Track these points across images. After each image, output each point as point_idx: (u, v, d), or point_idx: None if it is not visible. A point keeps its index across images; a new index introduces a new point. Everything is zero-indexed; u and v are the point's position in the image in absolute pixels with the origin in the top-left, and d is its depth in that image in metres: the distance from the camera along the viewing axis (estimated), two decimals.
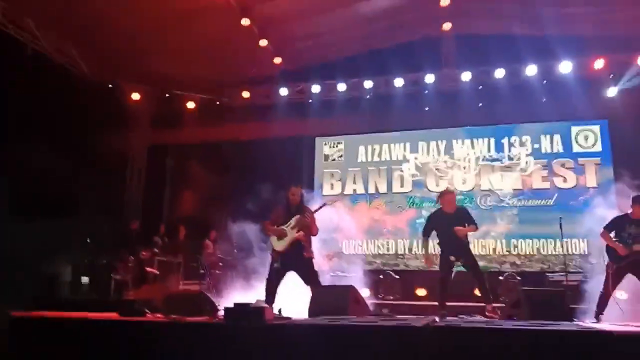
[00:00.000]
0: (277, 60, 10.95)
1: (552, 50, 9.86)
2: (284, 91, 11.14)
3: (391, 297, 8.80)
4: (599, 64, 9.80)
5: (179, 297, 6.08)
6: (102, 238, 9.49)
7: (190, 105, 11.32)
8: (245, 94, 11.41)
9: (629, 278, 6.03)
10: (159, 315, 5.74)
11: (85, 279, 10.22)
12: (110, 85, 10.70)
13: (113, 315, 5.69)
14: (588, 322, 5.68)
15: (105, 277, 8.69)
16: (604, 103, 9.75)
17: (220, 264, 8.90)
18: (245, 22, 9.48)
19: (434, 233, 6.54)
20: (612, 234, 6.11)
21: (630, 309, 6.35)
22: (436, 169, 10.43)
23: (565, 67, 9.85)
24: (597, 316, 5.92)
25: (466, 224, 6.35)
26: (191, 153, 10.91)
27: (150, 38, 9.61)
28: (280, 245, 6.08)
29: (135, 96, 10.94)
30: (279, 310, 5.87)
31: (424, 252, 6.65)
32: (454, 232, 6.24)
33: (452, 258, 6.25)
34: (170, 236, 9.27)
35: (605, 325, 5.32)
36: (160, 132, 11.41)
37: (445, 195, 6.60)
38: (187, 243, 9.28)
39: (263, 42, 10.24)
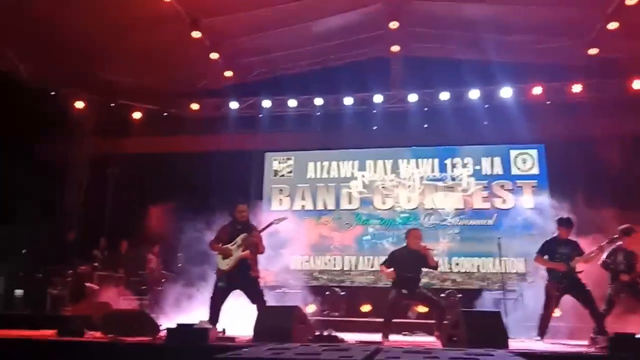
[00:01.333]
0: (228, 73, 10.92)
1: (494, 75, 10.32)
2: (234, 104, 11.10)
3: (336, 314, 8.86)
4: (537, 90, 10.32)
5: (119, 315, 5.93)
6: (39, 249, 9.12)
7: (137, 115, 11.09)
8: (195, 106, 11.30)
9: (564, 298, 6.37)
10: (97, 334, 5.58)
11: (19, 292, 9.77)
12: (52, 93, 10.33)
13: (50, 333, 5.50)
14: (525, 341, 5.96)
15: (41, 290, 8.32)
16: (541, 128, 10.22)
17: (163, 279, 8.71)
18: (195, 34, 9.40)
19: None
20: (546, 257, 6.43)
21: (565, 327, 6.79)
22: (383, 187, 10.64)
23: (506, 92, 10.31)
24: (541, 336, 6.22)
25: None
26: (136, 164, 10.66)
27: (97, 45, 9.38)
28: (225, 264, 6.04)
29: (79, 104, 10.61)
30: (223, 330, 5.82)
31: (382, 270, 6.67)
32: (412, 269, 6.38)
33: (404, 291, 6.35)
34: (111, 249, 8.99)
35: (541, 346, 5.61)
36: (105, 142, 11.10)
37: (412, 232, 6.71)
38: (128, 257, 9.03)
39: (214, 55, 10.19)
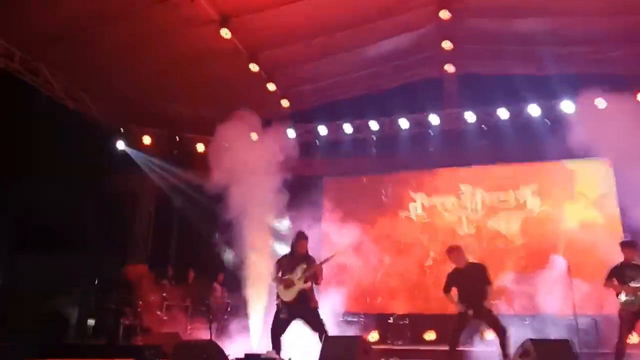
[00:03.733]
0: (285, 102, 11.17)
1: (553, 89, 10.02)
2: (291, 133, 11.33)
3: (400, 342, 8.76)
4: (600, 102, 9.92)
5: (189, 346, 6.13)
6: (110, 279, 9.56)
7: (200, 147, 11.51)
8: (254, 136, 11.58)
9: None
10: None
11: (91, 322, 10.23)
12: (121, 129, 10.94)
13: None
14: None
15: (113, 320, 8.72)
16: (607, 141, 9.79)
17: (229, 308, 8.93)
18: (253, 67, 9.72)
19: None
20: (615, 281, 6.19)
21: None
22: (444, 210, 10.51)
23: (567, 106, 9.97)
24: None
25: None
26: (200, 194, 11.05)
27: (160, 81, 9.86)
28: (288, 296, 6.13)
29: (146, 140, 11.16)
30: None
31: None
32: (473, 289, 6.27)
33: (470, 312, 6.25)
34: (178, 279, 9.32)
35: None
36: (171, 174, 11.58)
37: (452, 252, 6.63)
38: (195, 286, 9.32)
39: (271, 86, 10.47)
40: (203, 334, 8.04)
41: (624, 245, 6.33)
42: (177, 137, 11.41)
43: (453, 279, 6.50)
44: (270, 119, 11.64)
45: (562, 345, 5.19)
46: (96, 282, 9.66)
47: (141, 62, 9.33)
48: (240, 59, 9.57)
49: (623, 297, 6.12)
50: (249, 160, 9.37)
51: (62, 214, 9.86)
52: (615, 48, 9.62)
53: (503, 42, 10.18)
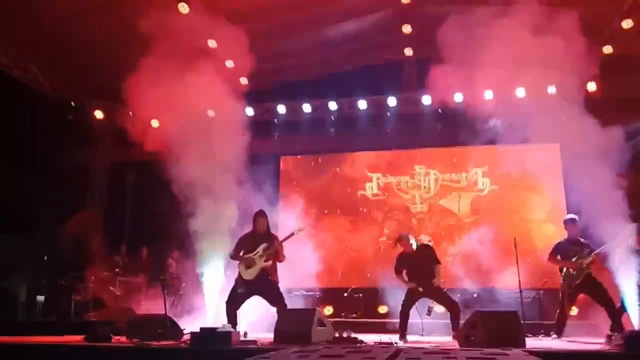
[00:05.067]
0: (244, 80, 11.06)
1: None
2: (249, 111, 11.25)
3: (353, 315, 8.97)
4: (551, 89, 10.28)
5: (143, 320, 6.08)
6: (61, 256, 9.33)
7: (155, 123, 11.25)
8: (211, 113, 11.44)
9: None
10: (123, 339, 5.75)
11: (40, 299, 9.98)
12: (72, 103, 10.58)
13: (77, 339, 5.67)
14: (543, 340, 6.04)
15: (64, 297, 8.54)
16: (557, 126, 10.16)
17: (183, 284, 8.88)
18: (211, 43, 9.56)
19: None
20: (558, 257, 6.54)
21: (581, 324, 6.91)
22: (398, 189, 10.74)
23: (520, 92, 10.27)
24: (558, 334, 6.37)
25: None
26: (154, 170, 10.85)
27: (115, 55, 9.57)
28: (248, 274, 6.16)
29: (98, 114, 10.84)
30: (245, 333, 5.96)
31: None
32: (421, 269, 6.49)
33: (420, 289, 6.44)
34: (131, 255, 9.19)
35: (558, 344, 5.68)
36: (123, 149, 11.31)
37: (401, 240, 6.81)
38: (149, 262, 9.22)
39: (229, 63, 10.33)
40: (158, 309, 7.98)
41: (568, 222, 6.70)
42: (130, 112, 11.11)
43: (402, 261, 6.72)
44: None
45: (509, 316, 5.43)
46: (45, 258, 9.45)
47: (96, 35, 9.03)
48: (198, 34, 9.40)
49: (565, 271, 6.48)
50: (205, 136, 9.29)
51: (11, 191, 9.53)
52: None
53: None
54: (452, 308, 6.36)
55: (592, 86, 10.01)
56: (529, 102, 10.26)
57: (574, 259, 6.45)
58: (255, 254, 6.21)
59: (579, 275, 6.38)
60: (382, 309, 9.07)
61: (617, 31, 9.49)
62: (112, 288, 8.39)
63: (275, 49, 10.54)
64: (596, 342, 5.58)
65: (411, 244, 6.70)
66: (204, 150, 10.52)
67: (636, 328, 5.92)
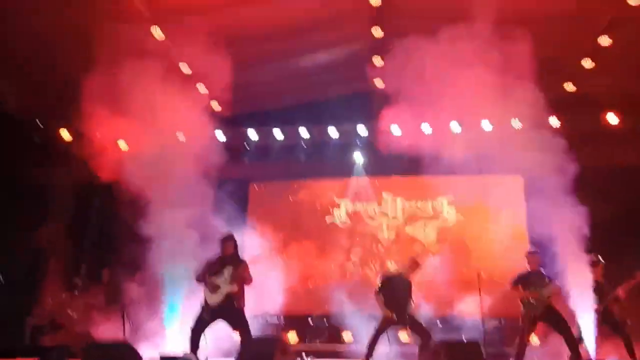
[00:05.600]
0: (215, 105, 11.07)
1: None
2: (220, 135, 11.24)
3: (317, 342, 8.91)
4: (516, 124, 10.57)
5: (101, 346, 5.90)
6: (17, 277, 9.03)
7: (124, 146, 11.13)
8: (181, 137, 11.39)
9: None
10: None
11: None
12: (39, 123, 10.41)
13: None
14: None
15: (19, 320, 8.22)
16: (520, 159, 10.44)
17: (145, 308, 8.65)
18: (184, 67, 9.60)
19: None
20: (520, 287, 6.67)
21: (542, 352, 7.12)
22: (367, 217, 10.83)
23: (486, 125, 10.54)
24: None
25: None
26: (118, 192, 10.68)
27: (80, 74, 9.48)
28: (214, 299, 6.07)
29: (64, 134, 10.68)
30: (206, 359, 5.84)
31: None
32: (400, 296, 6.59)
33: (394, 317, 6.56)
34: (92, 278, 8.95)
35: None
36: (89, 170, 11.11)
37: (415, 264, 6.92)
38: (110, 285, 8.97)
39: (202, 88, 10.35)
40: (116, 334, 7.76)
41: (530, 255, 6.88)
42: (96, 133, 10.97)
43: (385, 284, 6.84)
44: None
45: (470, 347, 5.48)
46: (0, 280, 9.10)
47: (65, 55, 8.96)
48: (169, 59, 9.41)
49: (526, 301, 6.60)
50: (173, 159, 9.25)
51: None
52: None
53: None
54: (424, 338, 6.45)
55: (554, 121, 10.37)
56: (494, 134, 10.56)
57: (534, 289, 6.58)
58: (221, 278, 6.12)
59: (539, 305, 6.51)
60: (347, 335, 9.01)
61: (578, 70, 9.89)
62: (69, 311, 8.13)
63: (247, 77, 10.63)
64: None
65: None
66: (171, 174, 10.47)
67: (592, 358, 6.03)
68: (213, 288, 6.09)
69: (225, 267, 6.17)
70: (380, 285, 6.91)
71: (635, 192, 9.40)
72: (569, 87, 10.28)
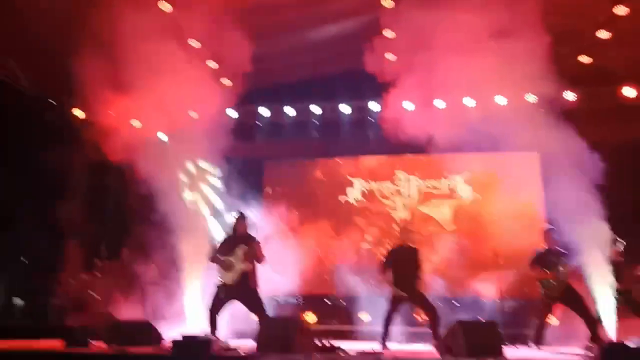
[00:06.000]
0: (226, 82, 10.98)
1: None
2: (232, 113, 11.19)
3: (335, 322, 9.00)
4: (530, 97, 10.42)
5: (123, 326, 6.02)
6: (39, 257, 9.15)
7: (136, 123, 11.12)
8: (194, 115, 11.35)
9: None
10: (101, 344, 5.68)
11: (18, 301, 9.80)
12: (52, 101, 10.40)
13: (56, 344, 5.59)
14: (522, 350, 6.13)
15: (42, 300, 8.39)
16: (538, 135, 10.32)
17: (164, 288, 8.78)
18: (193, 43, 9.49)
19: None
20: (538, 267, 6.65)
21: (561, 333, 7.02)
22: (381, 196, 10.81)
23: (501, 99, 10.38)
24: (537, 344, 6.46)
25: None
26: (134, 172, 10.71)
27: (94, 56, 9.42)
28: (228, 277, 6.15)
29: (78, 113, 10.67)
30: (226, 341, 5.93)
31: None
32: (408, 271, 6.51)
33: (404, 295, 6.48)
34: (112, 257, 9.06)
35: (536, 354, 5.77)
36: (103, 151, 11.13)
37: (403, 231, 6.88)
38: (129, 265, 9.09)
39: (212, 64, 10.25)
40: (137, 314, 7.90)
41: (547, 233, 6.82)
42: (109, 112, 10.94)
43: (389, 261, 6.72)
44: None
45: (488, 327, 5.51)
46: (23, 259, 9.25)
47: (74, 33, 8.87)
48: (177, 33, 9.30)
49: (545, 282, 6.59)
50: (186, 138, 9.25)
51: None
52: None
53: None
54: (431, 315, 6.41)
55: (569, 95, 10.20)
56: (509, 110, 10.42)
57: (552, 269, 6.56)
58: (234, 257, 6.19)
59: (558, 286, 6.50)
60: (363, 316, 9.09)
61: (594, 41, 9.66)
62: (91, 292, 8.27)
63: (259, 51, 10.50)
64: (574, 353, 5.69)
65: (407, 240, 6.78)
66: (186, 153, 10.49)
67: (613, 339, 6.05)
68: (227, 267, 6.17)
69: (238, 246, 6.23)
70: (387, 261, 6.75)
71: None
72: (585, 59, 10.04)
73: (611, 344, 5.11)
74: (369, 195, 10.95)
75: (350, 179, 11.09)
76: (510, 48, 10.08)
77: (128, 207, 9.98)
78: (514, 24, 9.55)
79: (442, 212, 10.52)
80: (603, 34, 9.34)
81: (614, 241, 6.74)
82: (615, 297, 6.37)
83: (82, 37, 8.88)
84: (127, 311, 7.96)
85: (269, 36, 10.15)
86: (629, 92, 10.10)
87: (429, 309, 6.48)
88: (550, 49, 9.93)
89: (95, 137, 11.06)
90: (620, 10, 8.75)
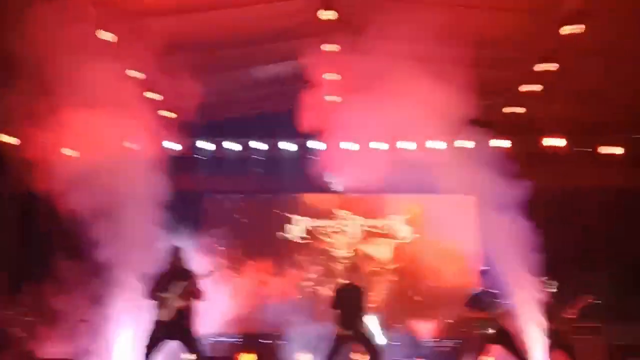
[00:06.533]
0: (168, 114, 10.78)
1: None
2: (173, 146, 10.94)
3: None
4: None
5: None
6: None
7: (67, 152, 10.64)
8: (131, 146, 11.01)
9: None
10: None
11: None
12: None
13: None
14: None
15: None
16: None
17: (94, 326, 8.27)
18: (135, 73, 9.30)
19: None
20: (473, 307, 6.78)
21: None
22: (324, 233, 10.82)
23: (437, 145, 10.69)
24: None
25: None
26: (63, 203, 10.19)
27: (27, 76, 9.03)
28: (164, 315, 5.86)
29: (5, 139, 10.10)
30: None
31: None
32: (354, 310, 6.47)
33: (350, 333, 6.42)
34: (37, 294, 8.48)
35: None
36: (31, 179, 10.56)
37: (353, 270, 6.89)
38: (54, 300, 8.52)
39: (153, 95, 10.06)
40: (62, 352, 7.38)
41: (482, 273, 6.99)
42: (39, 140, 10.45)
43: (340, 296, 6.66)
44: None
45: None
46: None
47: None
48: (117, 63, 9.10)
49: (480, 321, 6.70)
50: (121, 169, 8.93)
51: None
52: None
53: None
54: (373, 355, 6.38)
55: (504, 143, 10.71)
56: (447, 154, 10.77)
57: (487, 310, 6.68)
58: (170, 293, 5.91)
59: (492, 325, 6.61)
60: (305, 357, 8.85)
61: (525, 94, 10.27)
62: (13, 328, 7.70)
63: (202, 85, 10.44)
64: None
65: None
66: (119, 185, 10.08)
67: None
68: (163, 304, 5.88)
69: (174, 281, 5.97)
70: (333, 299, 6.68)
71: (584, 213, 9.80)
72: (519, 110, 10.64)
73: None
74: (311, 233, 10.90)
75: (292, 216, 11.02)
76: (446, 96, 10.60)
77: (54, 239, 9.43)
78: (449, 74, 10.07)
79: (382, 251, 10.63)
80: (536, 88, 9.93)
81: (546, 282, 6.99)
82: (545, 337, 6.54)
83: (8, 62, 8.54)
84: (51, 349, 7.45)
85: (212, 71, 10.14)
86: (558, 142, 10.73)
87: (371, 349, 6.45)
88: (487, 98, 10.55)
89: (23, 167, 10.54)
90: (550, 66, 9.33)
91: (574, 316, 6.99)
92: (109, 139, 10.68)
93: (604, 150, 10.89)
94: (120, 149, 10.88)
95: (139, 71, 9.25)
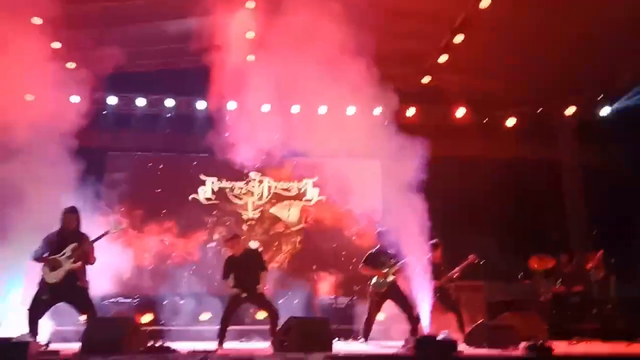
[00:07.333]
0: (71, 65, 10.20)
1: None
2: (75, 98, 10.39)
3: (174, 323, 8.72)
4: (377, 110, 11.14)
5: None
6: None
7: None
8: (29, 97, 10.35)
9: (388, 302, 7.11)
10: None
11: None
12: None
13: None
14: (351, 344, 6.52)
15: None
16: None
17: None
18: (35, 20, 8.70)
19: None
20: (369, 266, 7.13)
21: (387, 328, 7.59)
22: (232, 195, 10.80)
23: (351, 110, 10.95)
24: (365, 338, 6.90)
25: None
26: None
27: None
28: (53, 277, 5.67)
29: None
30: (47, 343, 5.50)
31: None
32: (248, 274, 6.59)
33: (243, 295, 6.53)
34: None
35: (361, 348, 6.17)
36: None
37: (233, 240, 6.91)
38: None
39: (56, 45, 9.47)
40: None
41: (379, 234, 7.34)
42: None
43: (230, 266, 6.75)
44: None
45: (320, 323, 5.81)
46: None
47: None
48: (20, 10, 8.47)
49: (374, 280, 7.09)
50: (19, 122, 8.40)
51: None
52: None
53: None
54: (272, 314, 6.58)
55: (411, 112, 11.11)
56: (356, 120, 11.03)
57: (382, 268, 7.07)
58: (62, 255, 5.74)
59: (386, 284, 7.01)
60: (205, 316, 8.94)
61: (435, 65, 10.65)
62: None
63: (109, 36, 9.93)
64: (395, 346, 6.18)
65: (242, 246, 6.85)
66: (16, 139, 9.50)
67: (426, 333, 6.69)
68: (53, 266, 5.68)
69: (67, 243, 5.80)
70: (229, 262, 6.77)
71: (473, 182, 10.45)
72: (425, 79, 11.03)
73: (424, 336, 5.65)
74: (219, 193, 10.87)
75: (200, 176, 10.90)
76: (357, 64, 10.78)
77: None
78: (362, 41, 10.22)
79: (290, 213, 10.82)
80: (443, 59, 10.29)
81: (435, 244, 7.47)
82: (432, 295, 7.04)
83: None
84: None
85: (120, 22, 9.68)
86: (460, 112, 11.28)
87: (270, 310, 6.65)
88: (396, 68, 10.83)
89: None
90: (458, 38, 9.70)
91: (459, 276, 7.57)
92: (7, 90, 10.04)
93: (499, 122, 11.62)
94: (19, 101, 10.29)
95: (43, 20, 8.68)
